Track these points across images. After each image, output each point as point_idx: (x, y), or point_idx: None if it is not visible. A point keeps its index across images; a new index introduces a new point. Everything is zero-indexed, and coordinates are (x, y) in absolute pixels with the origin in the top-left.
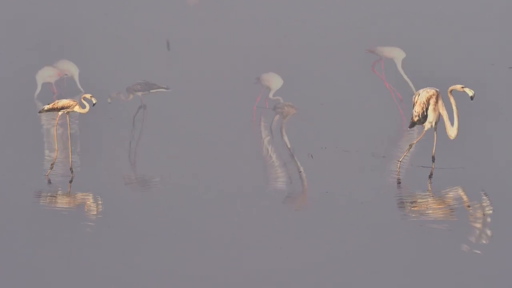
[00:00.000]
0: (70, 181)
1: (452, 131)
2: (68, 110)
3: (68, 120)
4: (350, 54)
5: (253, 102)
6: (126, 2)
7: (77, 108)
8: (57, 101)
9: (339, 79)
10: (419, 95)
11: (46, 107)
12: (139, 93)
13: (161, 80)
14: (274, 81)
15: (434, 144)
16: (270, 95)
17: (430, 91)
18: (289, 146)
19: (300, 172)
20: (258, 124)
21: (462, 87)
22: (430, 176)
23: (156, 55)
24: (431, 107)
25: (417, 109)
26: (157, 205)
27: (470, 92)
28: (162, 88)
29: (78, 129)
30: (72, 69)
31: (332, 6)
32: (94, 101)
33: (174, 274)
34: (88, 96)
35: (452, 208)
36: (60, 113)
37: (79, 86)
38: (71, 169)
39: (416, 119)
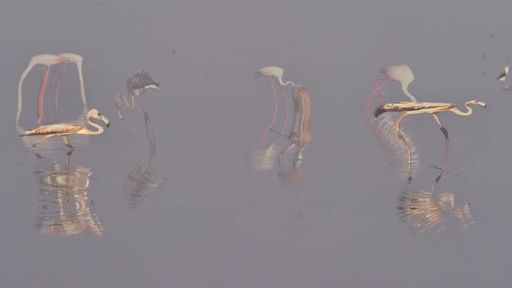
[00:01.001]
0: (69, 153)
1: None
2: (67, 134)
3: (65, 138)
4: (351, 53)
5: (253, 100)
6: (127, 2)
7: (83, 131)
8: (43, 127)
9: (340, 78)
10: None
11: (27, 132)
12: (137, 91)
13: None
14: (275, 71)
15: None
16: (281, 82)
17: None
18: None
19: (298, 159)
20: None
21: (476, 101)
22: (438, 179)
23: (157, 54)
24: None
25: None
26: (156, 204)
27: (482, 103)
28: (154, 84)
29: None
30: (74, 57)
31: (332, 5)
32: (106, 122)
33: (174, 274)
34: (95, 115)
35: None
36: (48, 136)
37: (81, 78)
38: (69, 145)
39: (387, 107)
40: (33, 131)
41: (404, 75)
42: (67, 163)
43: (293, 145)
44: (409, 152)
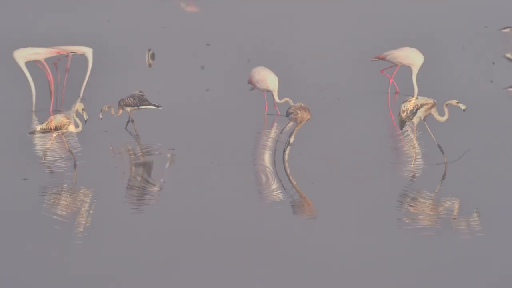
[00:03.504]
0: (75, 165)
1: (442, 119)
2: (63, 131)
3: (64, 140)
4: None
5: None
6: (123, 9)
7: (71, 128)
8: (52, 118)
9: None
10: (416, 98)
11: (39, 127)
12: (128, 109)
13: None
14: (270, 82)
15: (431, 133)
16: (276, 99)
17: (429, 100)
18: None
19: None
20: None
21: (457, 102)
22: (444, 177)
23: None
24: (423, 109)
25: (407, 105)
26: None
27: (463, 106)
28: (153, 105)
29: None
30: (83, 49)
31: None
32: (85, 117)
33: (175, 275)
34: (80, 109)
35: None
36: (54, 134)
37: (88, 71)
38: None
39: (404, 114)
40: (44, 126)
41: (414, 57)
42: (74, 182)
43: (291, 123)
44: (415, 153)
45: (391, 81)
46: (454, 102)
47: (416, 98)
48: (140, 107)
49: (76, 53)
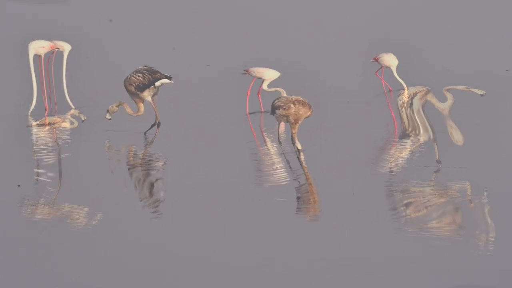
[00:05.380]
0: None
1: (444, 105)
2: (56, 126)
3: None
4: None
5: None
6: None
7: (65, 124)
8: (46, 117)
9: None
10: (407, 89)
11: (35, 123)
12: (147, 94)
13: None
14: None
15: (436, 150)
16: (265, 86)
17: (420, 88)
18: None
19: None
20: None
21: (468, 88)
22: (437, 171)
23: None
24: (417, 97)
25: (402, 98)
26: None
27: (479, 92)
28: (166, 78)
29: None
30: (64, 46)
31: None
32: (83, 118)
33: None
34: (76, 112)
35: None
36: (47, 127)
37: (64, 69)
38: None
39: (403, 110)
40: (39, 122)
41: (392, 60)
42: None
43: (282, 126)
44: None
45: (383, 82)
46: (462, 87)
47: (408, 89)
48: (156, 83)
49: (58, 49)
